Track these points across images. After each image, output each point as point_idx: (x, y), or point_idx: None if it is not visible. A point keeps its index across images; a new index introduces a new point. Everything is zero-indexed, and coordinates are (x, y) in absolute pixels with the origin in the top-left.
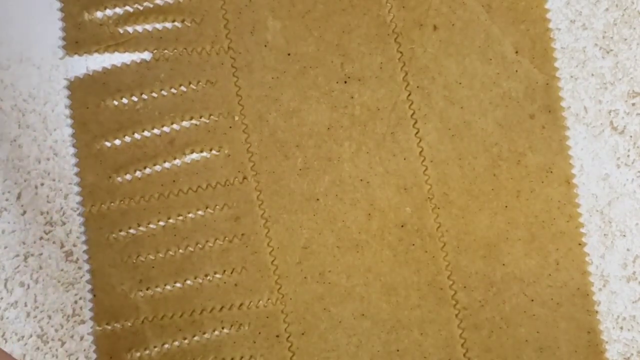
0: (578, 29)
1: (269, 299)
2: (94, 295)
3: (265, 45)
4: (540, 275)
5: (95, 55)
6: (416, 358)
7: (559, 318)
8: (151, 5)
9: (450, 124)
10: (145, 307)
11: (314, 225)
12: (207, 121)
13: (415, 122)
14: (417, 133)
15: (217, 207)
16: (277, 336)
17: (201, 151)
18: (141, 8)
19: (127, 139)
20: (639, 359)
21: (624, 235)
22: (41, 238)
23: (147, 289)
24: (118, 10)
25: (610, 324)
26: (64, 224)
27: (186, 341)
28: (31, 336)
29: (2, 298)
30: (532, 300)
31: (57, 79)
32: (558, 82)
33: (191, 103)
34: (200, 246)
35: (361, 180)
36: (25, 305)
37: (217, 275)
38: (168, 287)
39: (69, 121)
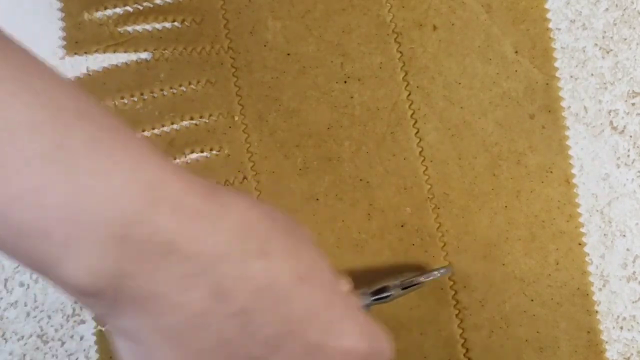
0: (578, 29)
1: None
2: None
3: (265, 45)
4: (540, 275)
5: (95, 55)
6: (416, 358)
7: (559, 318)
8: (151, 5)
9: (450, 124)
10: None
11: (314, 225)
12: (207, 121)
13: (415, 122)
14: (417, 133)
15: None
16: None
17: (201, 151)
18: (141, 8)
19: None
20: (639, 359)
21: (624, 235)
22: None
23: None
24: (118, 10)
25: (610, 324)
26: None
27: None
28: (31, 336)
29: (2, 298)
30: (532, 300)
31: None
32: (558, 82)
33: (191, 103)
34: None
35: (361, 180)
36: (25, 305)
37: None
38: None
39: None
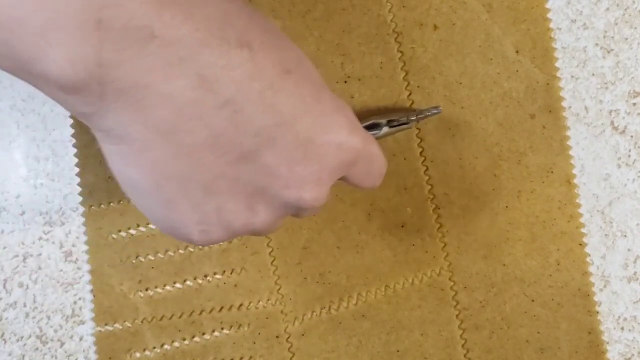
0: (579, 29)
1: (268, 300)
2: (94, 296)
3: None
4: (541, 276)
5: None
6: (417, 359)
7: (559, 318)
8: None
9: (450, 124)
10: (145, 307)
11: (314, 225)
12: None
13: (416, 122)
14: (417, 133)
15: None
16: (277, 337)
17: None
18: None
19: None
20: None
21: (625, 236)
22: (40, 238)
23: (146, 290)
24: None
25: (611, 325)
26: (63, 224)
27: (185, 342)
28: (30, 337)
29: (1, 298)
30: (533, 301)
31: None
32: (559, 82)
33: None
34: (200, 246)
35: None
36: (24, 306)
37: (217, 276)
38: (167, 287)
39: (69, 121)
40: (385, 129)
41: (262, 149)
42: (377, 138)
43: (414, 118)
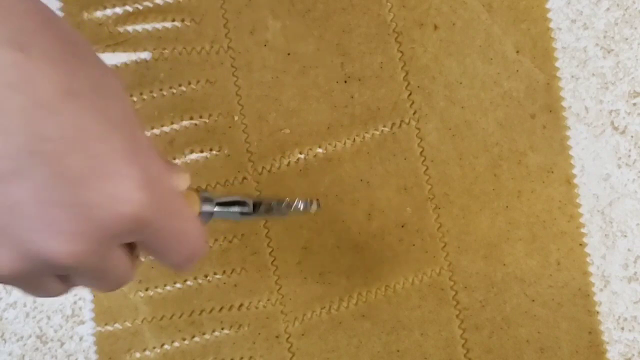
0: (579, 29)
1: (268, 300)
2: (94, 296)
3: (265, 45)
4: (541, 276)
5: None
6: (417, 359)
7: (559, 318)
8: (151, 5)
9: (450, 124)
10: (145, 307)
11: (314, 225)
12: (207, 121)
13: (416, 122)
14: (417, 133)
15: None
16: (277, 337)
17: (201, 151)
18: (141, 8)
19: None
20: None
21: (625, 236)
22: None
23: (146, 290)
24: (117, 10)
25: (611, 325)
26: None
27: (185, 342)
28: (30, 337)
29: (1, 298)
30: (533, 301)
31: None
32: (559, 82)
33: (191, 103)
34: None
35: (361, 180)
36: (25, 306)
37: (217, 276)
38: (167, 287)
39: None
40: (217, 209)
41: (11, 177)
42: (241, 220)
43: (286, 207)
